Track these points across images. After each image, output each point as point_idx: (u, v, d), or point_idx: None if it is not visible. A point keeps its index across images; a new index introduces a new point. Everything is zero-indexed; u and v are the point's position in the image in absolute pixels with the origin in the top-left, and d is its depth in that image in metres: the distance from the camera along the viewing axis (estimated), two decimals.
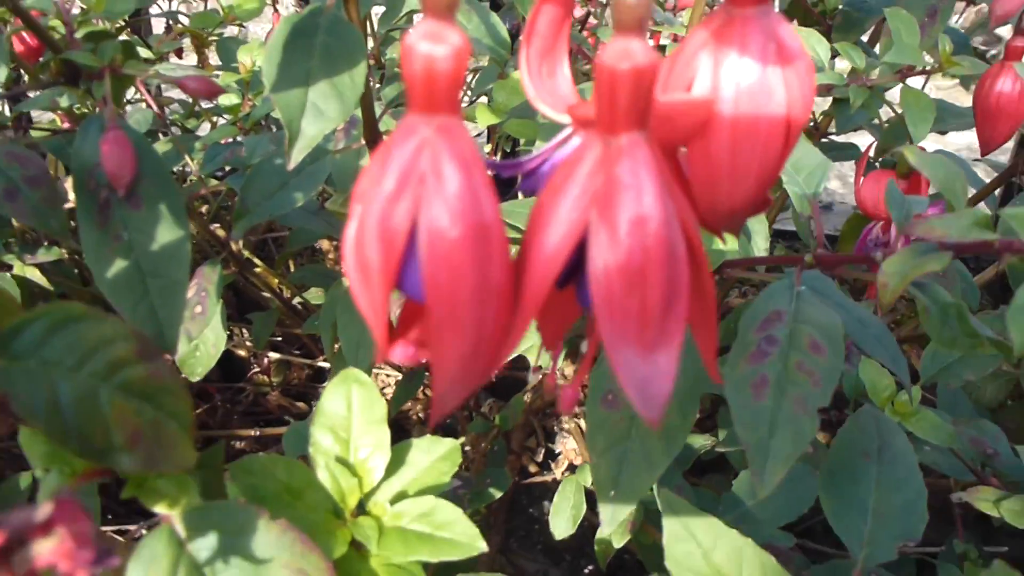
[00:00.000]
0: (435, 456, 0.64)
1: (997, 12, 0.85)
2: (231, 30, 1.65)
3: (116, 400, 0.42)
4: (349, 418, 0.61)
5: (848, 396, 1.04)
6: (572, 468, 1.51)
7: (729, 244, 0.84)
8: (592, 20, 1.53)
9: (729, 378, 0.52)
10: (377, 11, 1.37)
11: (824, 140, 1.28)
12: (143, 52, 1.16)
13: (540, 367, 0.47)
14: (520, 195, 0.73)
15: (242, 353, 1.68)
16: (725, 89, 0.36)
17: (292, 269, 1.56)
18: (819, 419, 0.50)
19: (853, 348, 1.10)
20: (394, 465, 0.62)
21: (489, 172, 0.34)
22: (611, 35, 0.31)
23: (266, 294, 1.30)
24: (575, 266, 0.34)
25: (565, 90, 0.45)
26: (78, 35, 0.72)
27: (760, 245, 0.95)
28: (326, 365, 1.56)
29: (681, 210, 0.32)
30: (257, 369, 1.68)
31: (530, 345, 0.87)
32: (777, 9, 1.40)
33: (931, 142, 1.60)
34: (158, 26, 1.79)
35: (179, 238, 0.66)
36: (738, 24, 0.36)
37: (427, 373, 1.31)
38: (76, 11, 0.88)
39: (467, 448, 1.37)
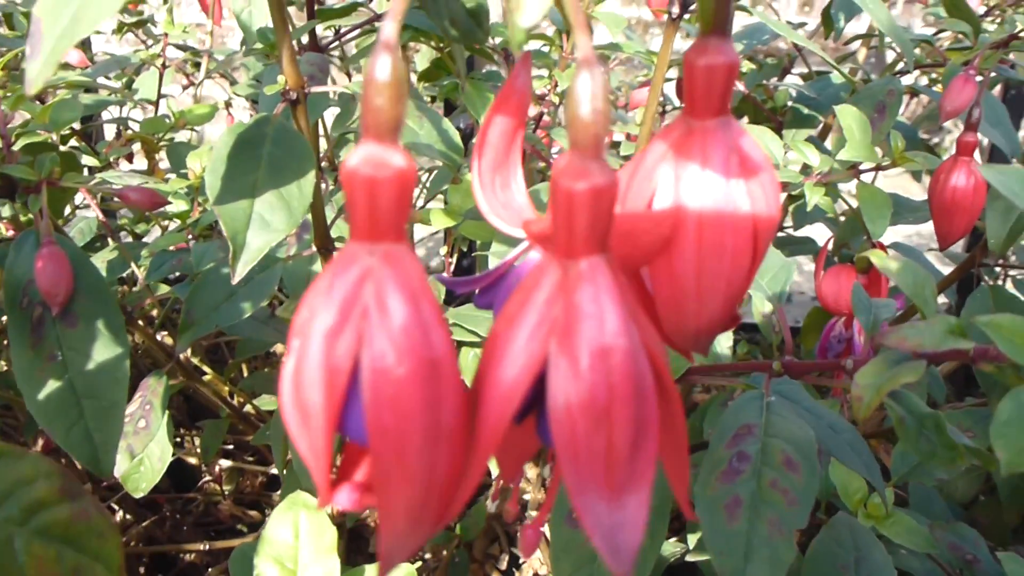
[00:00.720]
0: None
1: (947, 108, 0.86)
2: (183, 135, 1.63)
3: (34, 547, 0.38)
4: (296, 547, 0.57)
5: (819, 498, 1.01)
6: None
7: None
8: (546, 119, 1.53)
9: (700, 498, 0.49)
10: (332, 112, 1.37)
11: (781, 235, 1.28)
12: (89, 160, 1.13)
13: (500, 493, 0.44)
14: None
15: (193, 461, 1.62)
16: (688, 205, 0.34)
17: (246, 373, 1.51)
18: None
19: (822, 451, 1.08)
20: None
21: (444, 287, 0.32)
22: (567, 152, 0.29)
23: (217, 402, 1.26)
24: (534, 398, 0.32)
25: (520, 202, 0.43)
26: (17, 147, 0.69)
27: (724, 344, 0.93)
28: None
29: (647, 338, 0.29)
30: (208, 478, 1.61)
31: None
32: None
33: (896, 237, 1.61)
34: (110, 131, 1.77)
35: (117, 356, 0.62)
36: (698, 136, 0.34)
37: None
38: (18, 120, 0.86)
39: (427, 557, 1.32)
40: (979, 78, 0.92)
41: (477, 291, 0.43)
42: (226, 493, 1.61)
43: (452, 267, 1.42)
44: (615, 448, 0.28)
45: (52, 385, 0.61)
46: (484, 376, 0.29)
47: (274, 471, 1.55)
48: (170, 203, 0.80)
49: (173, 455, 1.00)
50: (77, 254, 0.64)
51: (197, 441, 1.62)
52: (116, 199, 0.73)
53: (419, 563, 1.28)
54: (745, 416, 0.53)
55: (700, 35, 0.34)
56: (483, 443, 0.29)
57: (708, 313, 0.35)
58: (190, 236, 1.03)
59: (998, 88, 1.58)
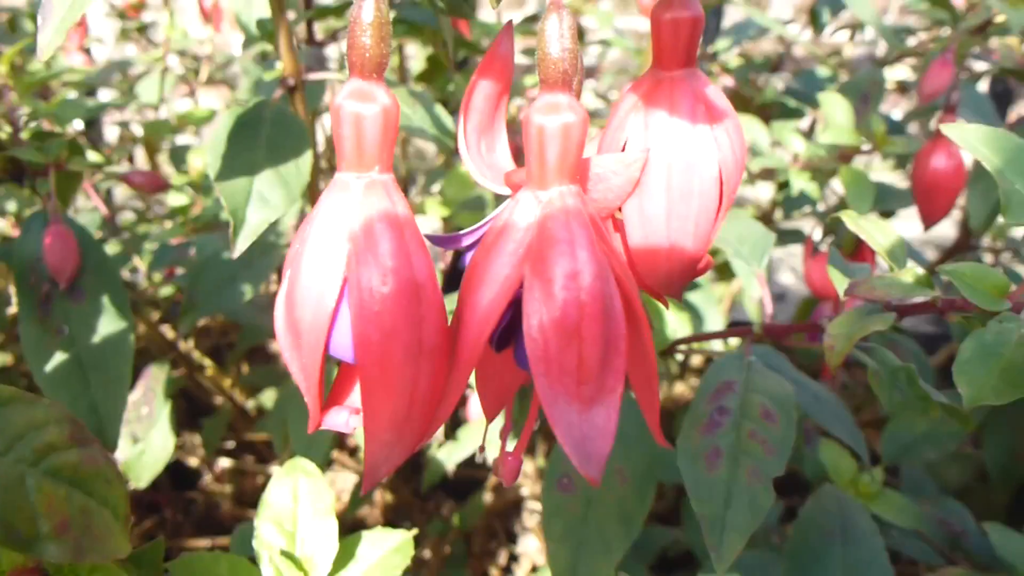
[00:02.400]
0: (386, 549, 0.62)
1: (925, 91, 0.89)
2: (183, 138, 1.66)
3: (44, 487, 0.41)
4: (295, 510, 0.59)
5: (811, 480, 1.03)
6: (535, 569, 1.47)
7: (682, 331, 0.84)
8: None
9: (682, 450, 0.51)
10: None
11: (771, 228, 1.30)
12: (94, 156, 1.16)
13: (483, 448, 0.46)
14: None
15: (193, 462, 1.63)
16: (657, 148, 0.36)
17: (246, 373, 1.53)
18: (774, 493, 0.49)
19: (813, 431, 1.10)
20: (343, 559, 0.60)
21: (430, 245, 0.34)
22: (539, 90, 0.31)
23: (218, 399, 1.28)
24: (511, 328, 0.34)
25: (505, 163, 0.45)
26: (24, 135, 0.72)
27: (714, 328, 0.95)
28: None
29: (616, 264, 0.32)
30: (209, 478, 1.63)
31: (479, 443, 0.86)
32: None
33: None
34: (111, 134, 1.80)
35: (122, 330, 0.64)
36: (666, 86, 0.36)
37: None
38: (23, 114, 0.88)
39: (426, 552, 1.33)
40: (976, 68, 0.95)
41: (464, 248, 0.45)
42: (226, 493, 1.63)
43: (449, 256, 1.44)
44: (585, 363, 0.30)
45: (59, 358, 0.63)
46: (464, 300, 0.32)
47: (273, 471, 1.57)
48: (170, 185, 0.82)
49: (174, 456, 1.02)
50: (84, 233, 0.66)
51: (198, 441, 1.64)
52: (117, 200, 0.75)
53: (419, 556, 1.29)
54: (726, 374, 0.55)
55: None
56: (463, 361, 0.31)
57: (679, 254, 0.38)
58: (192, 231, 1.05)
59: (986, 82, 1.61)
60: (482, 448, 0.46)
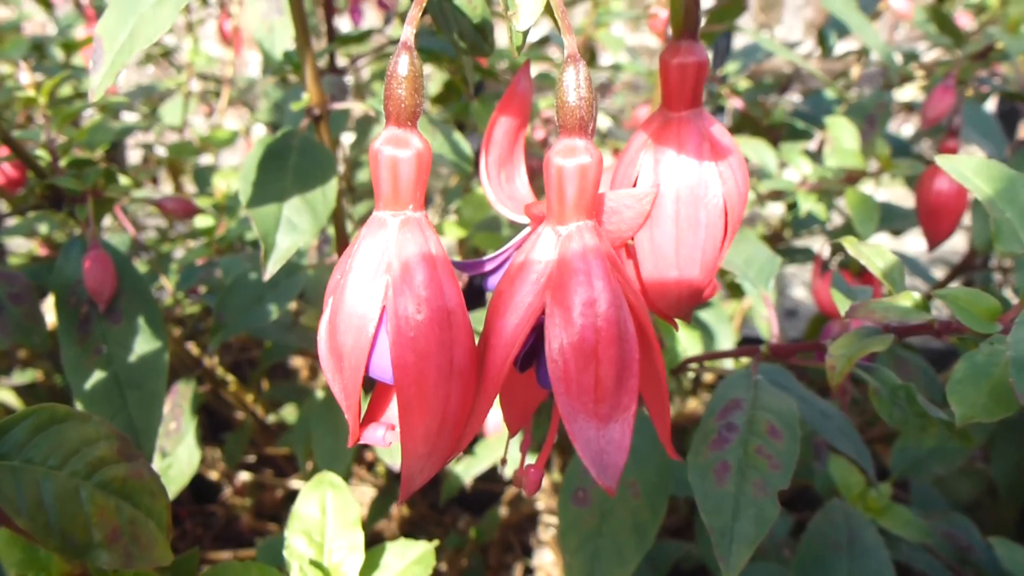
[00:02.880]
0: (409, 560, 0.64)
1: (928, 115, 0.92)
2: (205, 159, 1.70)
3: (97, 498, 0.44)
4: (323, 521, 0.62)
5: (821, 495, 1.05)
6: None
7: (693, 349, 0.87)
8: (552, 141, 1.59)
9: (693, 465, 0.54)
10: (348, 138, 1.43)
11: (782, 246, 1.32)
12: (124, 181, 1.20)
13: (505, 460, 0.48)
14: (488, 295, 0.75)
15: (214, 476, 1.66)
16: (666, 184, 0.39)
17: (267, 389, 1.56)
18: (779, 505, 0.52)
19: (823, 447, 1.12)
20: (368, 568, 0.62)
21: (457, 273, 0.37)
22: (559, 135, 0.34)
23: (240, 414, 1.31)
24: (534, 350, 0.37)
25: (523, 194, 0.48)
26: (62, 163, 0.75)
27: (724, 346, 0.98)
28: (299, 485, 1.55)
29: (629, 292, 0.35)
30: (229, 491, 1.66)
31: (498, 457, 0.89)
32: (726, 124, 1.47)
33: (900, 247, 1.66)
34: (134, 157, 1.85)
35: (157, 349, 0.67)
36: (674, 125, 0.39)
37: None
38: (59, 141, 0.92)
39: (443, 565, 1.35)
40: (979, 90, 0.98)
41: (487, 272, 0.48)
42: (247, 506, 1.66)
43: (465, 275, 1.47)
44: (602, 383, 0.33)
45: (98, 376, 0.66)
46: (490, 326, 0.35)
47: (293, 485, 1.60)
48: (201, 210, 0.86)
49: (198, 465, 1.05)
50: (120, 257, 0.69)
51: (218, 456, 1.67)
52: (141, 220, 0.79)
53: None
54: (734, 392, 0.58)
55: (673, 38, 0.40)
56: (490, 381, 0.34)
57: (687, 280, 0.41)
58: (216, 251, 1.09)
59: (994, 102, 1.63)
60: (504, 461, 0.48)
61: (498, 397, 0.41)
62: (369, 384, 0.38)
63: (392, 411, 0.37)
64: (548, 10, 0.93)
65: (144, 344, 0.68)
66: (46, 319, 0.88)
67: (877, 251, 0.54)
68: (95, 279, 0.66)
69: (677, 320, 0.44)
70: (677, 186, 0.39)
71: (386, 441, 0.36)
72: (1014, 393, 0.39)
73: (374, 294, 0.33)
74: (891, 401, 0.53)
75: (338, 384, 0.34)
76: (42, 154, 0.76)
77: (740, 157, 0.40)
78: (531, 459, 0.43)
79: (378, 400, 0.37)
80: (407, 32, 0.33)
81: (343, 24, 2.17)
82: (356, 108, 0.84)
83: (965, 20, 1.38)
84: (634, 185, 0.40)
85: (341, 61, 1.31)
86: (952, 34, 1.17)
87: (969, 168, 0.50)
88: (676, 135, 0.39)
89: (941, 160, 0.50)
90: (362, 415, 0.37)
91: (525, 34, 0.36)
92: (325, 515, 0.62)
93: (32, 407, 0.44)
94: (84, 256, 0.68)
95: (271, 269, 0.63)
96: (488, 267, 0.49)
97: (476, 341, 0.35)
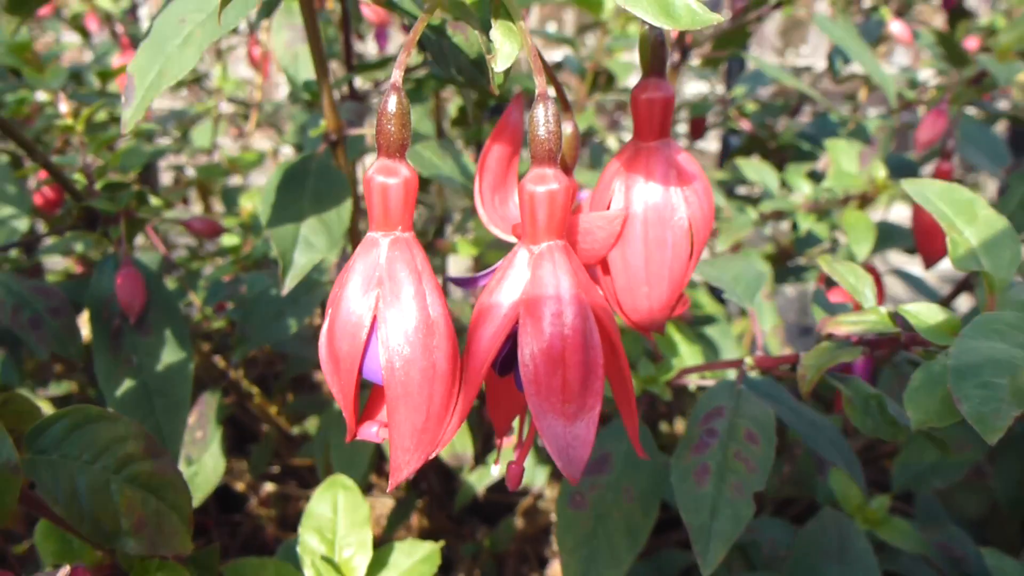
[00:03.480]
0: (416, 558, 0.68)
1: (921, 139, 0.95)
2: (234, 180, 1.76)
3: (125, 491, 0.48)
4: (335, 520, 0.66)
5: (821, 505, 1.08)
6: None
7: (693, 362, 0.91)
8: None
9: (675, 467, 0.58)
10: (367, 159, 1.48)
11: (791, 264, 1.36)
12: (155, 202, 1.25)
13: (498, 461, 0.52)
14: None
15: (240, 487, 1.71)
16: (636, 207, 0.43)
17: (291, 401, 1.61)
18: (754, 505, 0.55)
19: (826, 461, 1.15)
20: (377, 565, 0.66)
21: (453, 286, 0.41)
22: (531, 165, 0.38)
23: (264, 427, 1.36)
24: (512, 357, 0.41)
25: (514, 215, 0.53)
26: (97, 186, 0.81)
27: (728, 358, 1.01)
28: None
29: (596, 306, 0.39)
30: (255, 502, 1.71)
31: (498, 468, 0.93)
32: (736, 145, 1.51)
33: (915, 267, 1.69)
34: (166, 178, 1.91)
35: (182, 359, 0.72)
36: (643, 154, 0.44)
37: (417, 502, 1.35)
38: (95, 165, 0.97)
39: (460, 575, 1.39)
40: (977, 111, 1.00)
41: (480, 287, 0.53)
42: (271, 516, 1.70)
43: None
44: (568, 385, 0.37)
45: (128, 384, 0.71)
46: (471, 334, 0.39)
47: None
48: (227, 229, 0.91)
49: (221, 481, 1.09)
50: (150, 273, 0.74)
51: (243, 467, 1.72)
52: (172, 239, 0.84)
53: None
54: (718, 400, 0.61)
55: (642, 76, 0.44)
56: (470, 383, 0.38)
57: (657, 295, 0.45)
58: (242, 268, 1.14)
59: (1005, 126, 1.65)
60: (496, 461, 0.52)
61: (489, 406, 0.46)
62: (365, 387, 0.42)
63: (384, 411, 0.41)
64: (566, 40, 0.97)
65: (171, 355, 0.73)
66: (81, 332, 0.94)
67: (850, 268, 0.58)
68: (127, 294, 0.71)
69: (681, 336, 0.48)
70: (645, 209, 0.43)
71: (379, 437, 0.40)
72: None
73: (366, 305, 0.37)
74: (863, 409, 0.57)
75: (336, 386, 0.39)
76: (78, 177, 0.81)
77: (705, 183, 0.44)
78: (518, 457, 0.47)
79: (374, 401, 0.42)
80: (395, 75, 0.37)
81: (369, 47, 2.23)
82: (372, 132, 0.88)
83: (973, 43, 1.41)
84: (608, 208, 0.44)
85: (362, 83, 1.36)
86: (957, 58, 1.21)
87: (932, 191, 0.54)
88: (645, 163, 0.43)
89: (906, 184, 0.54)
90: (360, 415, 0.42)
91: (505, 73, 0.40)
92: (336, 514, 0.66)
93: (68, 408, 0.49)
94: (116, 273, 0.73)
95: (289, 285, 0.67)
96: (481, 283, 0.53)
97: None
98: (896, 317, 0.54)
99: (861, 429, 0.58)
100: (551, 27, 2.81)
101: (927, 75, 1.44)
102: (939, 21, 2.05)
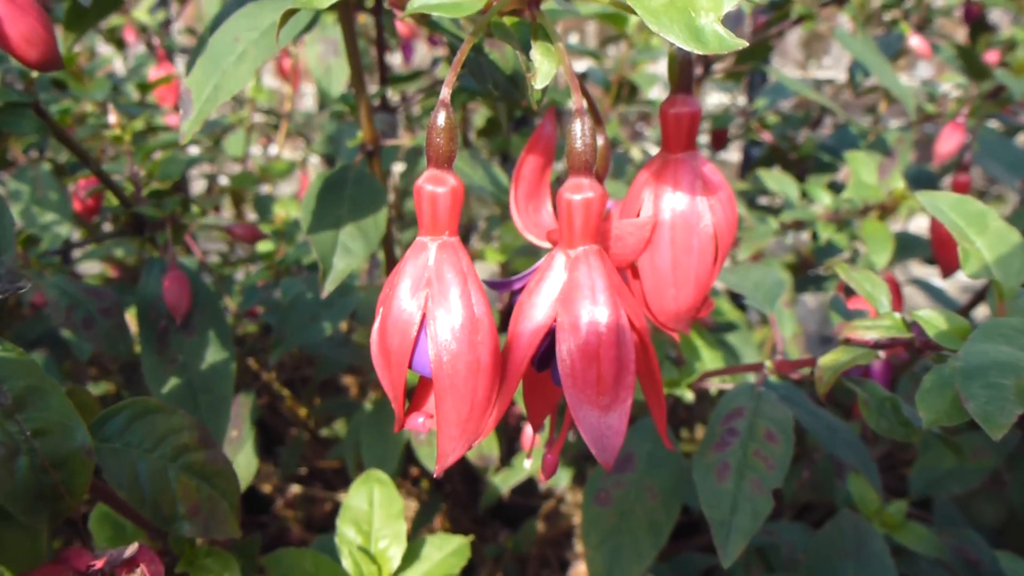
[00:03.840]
0: (446, 551, 0.71)
1: (939, 152, 0.97)
2: (264, 188, 1.80)
3: (181, 478, 0.52)
4: (371, 513, 0.69)
5: (839, 507, 1.10)
6: None
7: (714, 366, 0.93)
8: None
9: (697, 464, 0.61)
10: (397, 168, 1.52)
11: (811, 273, 1.38)
12: (195, 209, 1.29)
13: (530, 455, 0.55)
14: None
15: (266, 489, 1.75)
16: (664, 215, 0.46)
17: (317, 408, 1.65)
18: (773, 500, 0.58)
19: (845, 466, 1.17)
20: (410, 557, 0.69)
21: (487, 289, 0.44)
22: (569, 174, 0.41)
23: (293, 430, 1.39)
24: (549, 353, 0.44)
25: (547, 222, 0.56)
26: (144, 193, 0.85)
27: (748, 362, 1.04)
28: None
29: (628, 306, 0.42)
30: (281, 503, 1.74)
31: (533, 470, 0.96)
32: (757, 156, 1.53)
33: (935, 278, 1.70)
34: (197, 186, 1.96)
35: (225, 359, 0.76)
36: (671, 165, 0.47)
37: (443, 504, 1.38)
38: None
39: None
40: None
41: (516, 290, 0.56)
42: (297, 518, 1.74)
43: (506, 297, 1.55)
44: (603, 379, 0.40)
45: (173, 382, 0.75)
46: (512, 331, 0.42)
47: (341, 498, 1.68)
48: (266, 235, 0.94)
49: (249, 482, 1.13)
50: (195, 276, 0.78)
51: (271, 469, 1.75)
52: (204, 245, 0.87)
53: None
54: (738, 401, 0.64)
55: (670, 92, 0.47)
56: (511, 377, 0.41)
57: (683, 296, 0.47)
58: (275, 273, 1.17)
59: None
60: (529, 455, 0.55)
61: (526, 400, 0.49)
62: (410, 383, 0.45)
63: (430, 404, 0.45)
64: (590, 52, 1.00)
65: (214, 354, 0.76)
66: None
67: (866, 276, 0.60)
68: (173, 296, 0.75)
69: (702, 341, 0.51)
70: (673, 216, 0.46)
71: (425, 427, 0.44)
72: None
73: (416, 304, 0.40)
74: (879, 411, 0.60)
75: (387, 378, 0.42)
76: (126, 185, 0.85)
77: (729, 192, 0.47)
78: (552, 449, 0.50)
79: (419, 395, 0.45)
80: (445, 93, 0.40)
81: (395, 57, 2.27)
82: (405, 143, 0.92)
83: (993, 57, 1.43)
84: (637, 216, 0.47)
85: (392, 93, 1.40)
86: (977, 71, 1.23)
87: (945, 203, 0.56)
88: (673, 173, 0.46)
89: (921, 196, 0.57)
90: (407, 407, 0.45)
91: (544, 91, 0.44)
92: (372, 507, 0.69)
93: (128, 400, 0.53)
94: (163, 276, 0.76)
95: (328, 288, 0.71)
96: (516, 286, 0.56)
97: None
98: (910, 323, 0.57)
99: (876, 430, 0.60)
100: (573, 39, 2.84)
101: (948, 87, 1.46)
102: (962, 34, 2.07)
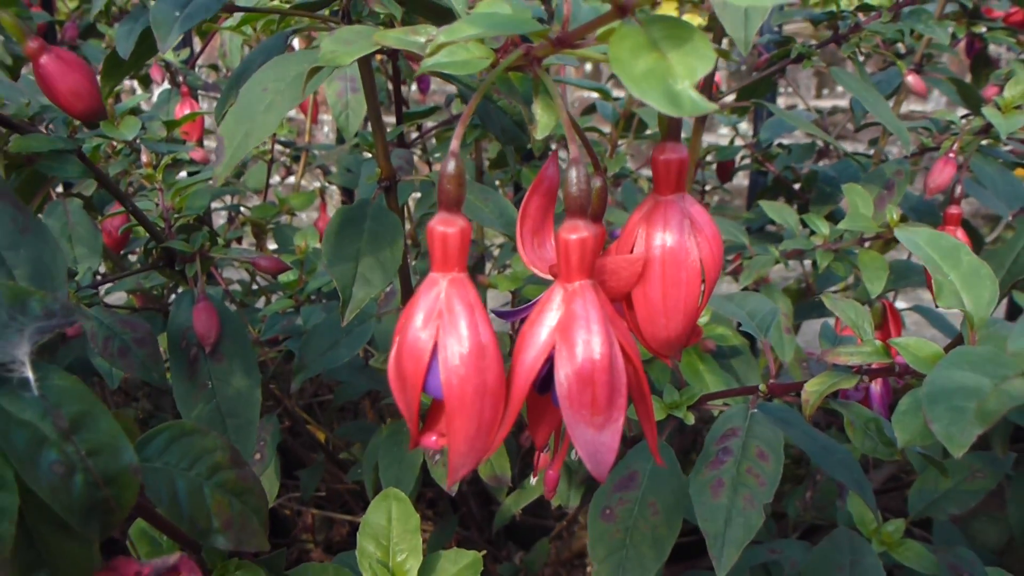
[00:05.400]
0: (461, 565, 0.75)
1: (930, 186, 1.02)
2: (283, 218, 1.86)
3: (215, 495, 0.56)
4: (389, 528, 0.74)
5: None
6: None
7: (716, 388, 0.97)
8: None
9: (694, 481, 0.65)
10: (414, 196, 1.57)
11: (813, 299, 1.42)
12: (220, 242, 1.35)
13: (536, 472, 0.60)
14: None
15: (286, 512, 1.79)
16: (655, 251, 0.51)
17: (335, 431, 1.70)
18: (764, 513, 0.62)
19: (846, 487, 1.20)
20: (426, 569, 0.74)
21: (495, 317, 0.49)
22: (565, 216, 0.46)
23: (313, 455, 1.44)
24: (549, 377, 0.48)
25: (551, 256, 0.60)
26: (174, 228, 0.90)
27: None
28: None
29: (620, 334, 0.46)
30: (300, 526, 1.79)
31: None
32: (763, 184, 1.58)
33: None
34: (218, 217, 2.02)
35: (251, 384, 0.81)
36: (661, 206, 0.51)
37: (457, 527, 1.42)
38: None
39: None
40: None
41: (522, 319, 0.60)
42: (317, 541, 1.78)
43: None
44: (597, 401, 0.45)
45: (203, 406, 0.79)
46: (516, 358, 0.46)
47: (359, 519, 1.72)
48: (291, 267, 0.99)
49: (271, 504, 1.17)
50: (222, 307, 0.83)
51: (290, 492, 1.80)
52: (226, 274, 0.92)
53: None
54: (732, 422, 0.68)
55: (660, 140, 0.52)
56: (514, 399, 0.46)
57: (673, 325, 0.52)
58: (296, 302, 1.22)
59: None
60: (535, 474, 0.60)
61: (530, 421, 0.54)
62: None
63: (441, 424, 0.49)
64: (598, 88, 1.04)
65: (241, 380, 0.81)
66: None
67: (851, 304, 0.64)
68: (203, 325, 0.80)
69: (704, 366, 0.55)
70: (663, 253, 0.50)
71: (437, 444, 0.48)
72: None
73: (429, 333, 0.45)
74: (863, 431, 0.64)
75: (402, 401, 0.47)
76: (157, 220, 0.90)
77: (714, 230, 0.52)
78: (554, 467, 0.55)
79: (432, 416, 0.49)
80: (454, 144, 0.45)
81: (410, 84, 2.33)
82: (420, 177, 0.97)
83: (992, 92, 1.47)
84: (630, 252, 0.52)
85: (407, 127, 1.45)
86: (976, 105, 1.27)
87: (922, 239, 0.61)
88: (663, 214, 0.51)
89: (899, 232, 0.61)
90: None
91: (543, 141, 0.48)
92: (390, 523, 0.74)
93: (167, 423, 0.57)
94: (193, 307, 0.81)
95: (348, 317, 0.76)
96: (522, 315, 0.61)
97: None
98: (893, 349, 0.61)
99: (860, 449, 0.64)
100: (587, 66, 2.91)
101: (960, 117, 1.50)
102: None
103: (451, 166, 0.45)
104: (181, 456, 0.56)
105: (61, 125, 0.76)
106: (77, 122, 0.73)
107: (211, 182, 1.64)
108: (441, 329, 0.45)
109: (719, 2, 0.70)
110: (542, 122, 0.47)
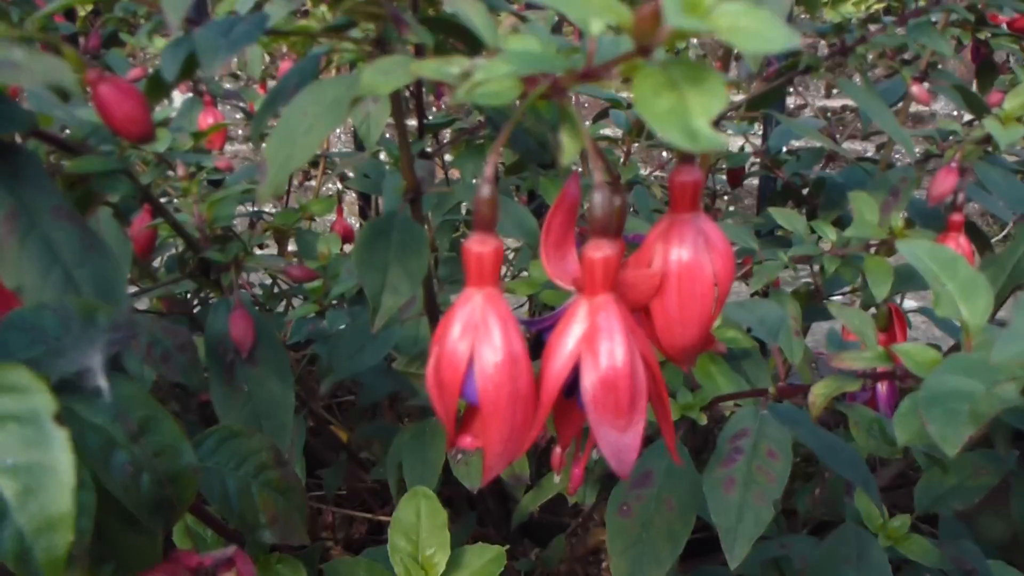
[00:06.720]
0: (485, 559, 0.80)
1: (933, 194, 1.05)
2: (303, 223, 1.91)
3: (262, 493, 0.61)
4: (418, 524, 0.78)
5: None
6: None
7: (728, 390, 1.01)
8: None
9: (707, 479, 0.69)
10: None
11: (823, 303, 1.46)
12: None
13: (559, 473, 0.64)
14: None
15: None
16: (672, 267, 0.55)
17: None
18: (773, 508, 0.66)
19: (853, 485, 1.24)
20: (453, 564, 0.78)
21: (522, 326, 0.53)
22: (590, 235, 0.50)
23: (337, 454, 1.48)
24: (575, 383, 0.52)
25: (573, 268, 0.64)
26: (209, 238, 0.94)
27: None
28: (386, 519, 1.71)
29: (640, 343, 0.50)
30: (321, 523, 1.83)
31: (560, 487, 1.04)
32: (773, 189, 1.61)
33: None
34: (240, 223, 2.06)
35: (285, 387, 0.85)
36: (677, 224, 0.55)
37: (476, 523, 1.47)
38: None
39: None
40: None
41: (545, 328, 0.64)
42: (337, 539, 1.83)
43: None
44: (620, 405, 0.49)
45: (240, 410, 0.84)
46: (544, 366, 0.51)
47: (380, 518, 1.76)
48: (320, 276, 1.04)
49: None
50: (257, 314, 0.87)
51: (311, 492, 1.84)
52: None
53: None
54: (744, 423, 0.72)
55: (676, 163, 0.56)
56: (544, 404, 0.50)
57: (689, 335, 0.56)
58: (321, 306, 1.27)
59: None
60: (558, 472, 0.64)
61: (555, 423, 0.58)
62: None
63: (475, 427, 0.53)
64: (613, 99, 1.10)
65: (275, 384, 0.85)
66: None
67: (854, 311, 0.68)
68: (239, 332, 0.84)
69: (717, 368, 0.59)
70: (679, 268, 0.55)
71: (472, 445, 0.52)
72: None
73: (465, 344, 0.49)
74: (867, 431, 0.68)
75: (440, 406, 0.51)
76: (196, 233, 0.95)
77: (727, 246, 0.56)
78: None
79: (466, 421, 0.54)
80: (488, 171, 0.49)
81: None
82: (442, 189, 1.01)
83: (997, 98, 1.50)
84: (648, 267, 0.56)
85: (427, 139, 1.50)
86: (981, 111, 1.31)
87: (921, 250, 0.65)
88: (679, 232, 0.55)
89: (900, 244, 0.65)
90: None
91: (568, 164, 0.53)
92: (419, 519, 0.78)
93: (216, 426, 0.62)
94: (230, 314, 0.86)
95: (378, 324, 0.80)
96: (546, 324, 0.65)
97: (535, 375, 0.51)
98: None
99: (864, 448, 0.68)
100: None
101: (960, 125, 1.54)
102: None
103: (486, 191, 0.50)
104: (230, 456, 0.60)
105: (108, 143, 0.80)
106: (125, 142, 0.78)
107: (253, 203, 1.69)
108: (477, 340, 0.49)
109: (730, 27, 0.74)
110: (568, 148, 0.51)
